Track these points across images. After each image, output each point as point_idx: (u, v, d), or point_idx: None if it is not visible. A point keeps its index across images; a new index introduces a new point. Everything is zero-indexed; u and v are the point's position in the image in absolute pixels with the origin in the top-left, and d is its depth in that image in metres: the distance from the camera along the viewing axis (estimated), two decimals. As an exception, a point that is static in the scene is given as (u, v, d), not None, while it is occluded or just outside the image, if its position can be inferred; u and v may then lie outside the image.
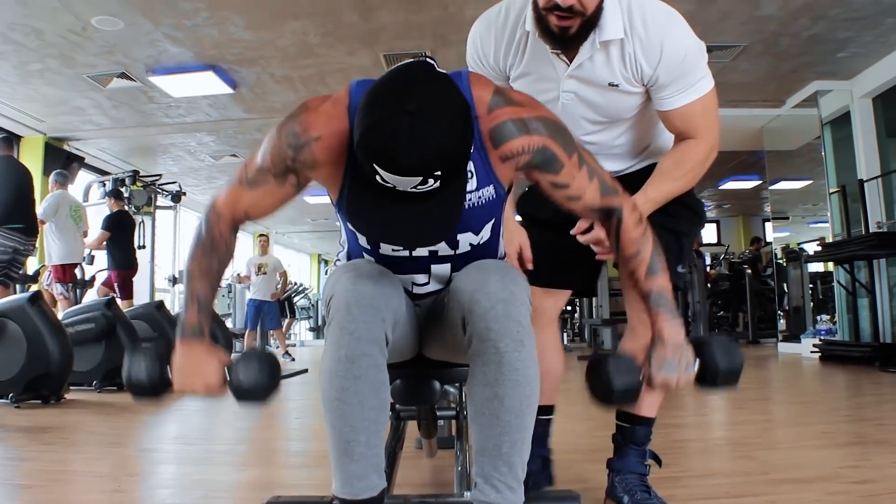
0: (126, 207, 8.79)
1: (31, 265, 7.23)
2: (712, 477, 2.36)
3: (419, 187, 1.26)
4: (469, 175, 1.48)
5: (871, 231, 7.24)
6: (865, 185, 7.46)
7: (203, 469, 2.83)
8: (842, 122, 8.20)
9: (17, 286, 6.36)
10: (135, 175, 9.58)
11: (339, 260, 1.77)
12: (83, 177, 10.05)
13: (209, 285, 1.57)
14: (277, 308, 11.03)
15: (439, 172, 1.25)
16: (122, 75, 7.42)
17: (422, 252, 1.57)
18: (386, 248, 1.57)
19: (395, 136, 1.21)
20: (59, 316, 5.56)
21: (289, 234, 19.29)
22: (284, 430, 4.09)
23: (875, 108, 7.86)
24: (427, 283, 1.65)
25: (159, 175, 10.47)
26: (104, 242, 8.06)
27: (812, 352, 7.80)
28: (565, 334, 13.39)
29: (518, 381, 1.39)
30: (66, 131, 9.40)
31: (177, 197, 10.73)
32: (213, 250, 1.57)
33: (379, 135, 1.22)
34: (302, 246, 22.09)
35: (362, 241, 1.60)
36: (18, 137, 9.18)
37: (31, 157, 9.07)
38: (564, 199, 1.54)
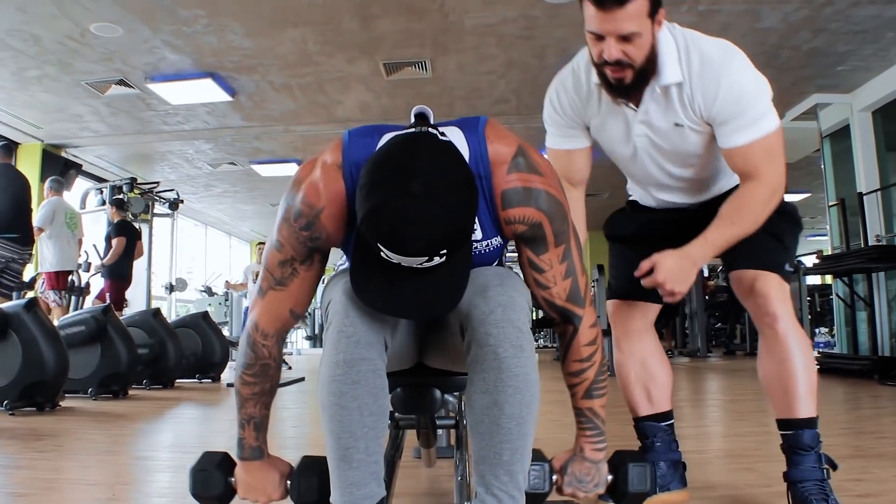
0: (127, 216, 8.76)
1: (28, 272, 7.17)
2: (713, 489, 2.33)
3: (425, 264, 1.24)
4: (474, 228, 1.46)
5: (869, 244, 7.23)
6: (864, 198, 7.46)
7: (198, 478, 2.78)
8: (841, 136, 8.21)
9: (14, 294, 6.33)
10: (132, 182, 9.56)
11: (341, 263, 1.75)
12: (80, 184, 10.03)
13: (264, 406, 1.59)
14: None
15: (445, 251, 1.23)
16: (121, 82, 7.40)
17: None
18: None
19: (400, 221, 1.18)
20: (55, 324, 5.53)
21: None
22: (281, 439, 4.05)
23: (875, 121, 7.86)
24: None
25: (157, 182, 10.44)
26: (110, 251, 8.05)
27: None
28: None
29: (518, 388, 1.37)
30: (63, 138, 9.38)
31: (174, 205, 10.70)
32: (264, 373, 1.55)
33: (383, 219, 1.19)
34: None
35: None
36: (16, 144, 9.15)
37: (29, 164, 9.05)
38: (533, 282, 1.53)
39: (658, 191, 2.16)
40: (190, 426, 4.56)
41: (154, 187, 10.30)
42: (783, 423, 1.88)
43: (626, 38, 1.76)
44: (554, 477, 1.57)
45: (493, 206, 1.44)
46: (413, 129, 1.31)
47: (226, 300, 13.26)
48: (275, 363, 1.56)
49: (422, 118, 1.41)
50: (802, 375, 1.83)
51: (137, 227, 9.22)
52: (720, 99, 1.81)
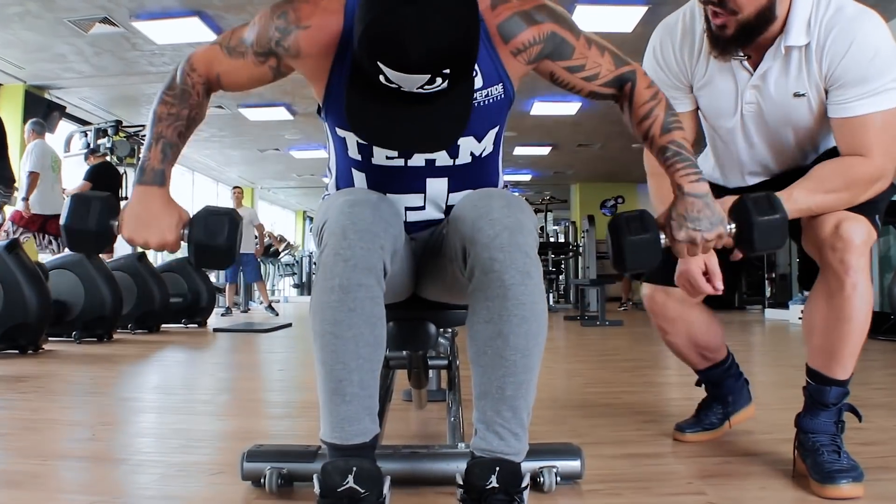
0: (108, 159, 8.56)
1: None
2: (713, 437, 2.27)
3: (426, 87, 1.17)
4: (475, 73, 1.39)
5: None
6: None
7: (182, 418, 2.72)
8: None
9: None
10: (117, 125, 9.35)
11: (327, 193, 1.65)
12: (64, 127, 9.84)
13: (176, 132, 1.47)
14: (256, 260, 11.10)
15: (448, 70, 1.16)
16: (105, 20, 7.18)
17: (418, 161, 1.46)
18: (379, 157, 1.46)
19: (401, 29, 1.11)
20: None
21: (274, 189, 19.08)
22: (267, 382, 4.01)
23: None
24: (422, 208, 1.54)
25: (143, 125, 10.22)
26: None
27: (800, 318, 7.74)
28: (551, 295, 13.37)
29: (524, 317, 1.28)
30: (46, 79, 9.14)
31: (160, 149, 10.52)
32: (183, 98, 1.48)
33: (383, 28, 1.13)
34: (287, 202, 21.88)
35: (352, 151, 1.49)
36: (-2, 85, 8.97)
37: (11, 106, 8.86)
38: (582, 81, 1.51)
39: (734, 174, 2.00)
40: (175, 369, 4.49)
41: (140, 130, 10.07)
42: (813, 373, 1.75)
43: None
44: (662, 238, 1.46)
45: (492, 47, 1.41)
46: None
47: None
48: (196, 97, 1.50)
49: None
50: (854, 340, 1.66)
51: (123, 170, 9.07)
52: (848, 57, 1.60)
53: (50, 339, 5.21)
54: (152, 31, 7.51)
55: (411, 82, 1.17)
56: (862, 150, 1.64)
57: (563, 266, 14.68)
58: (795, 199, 1.64)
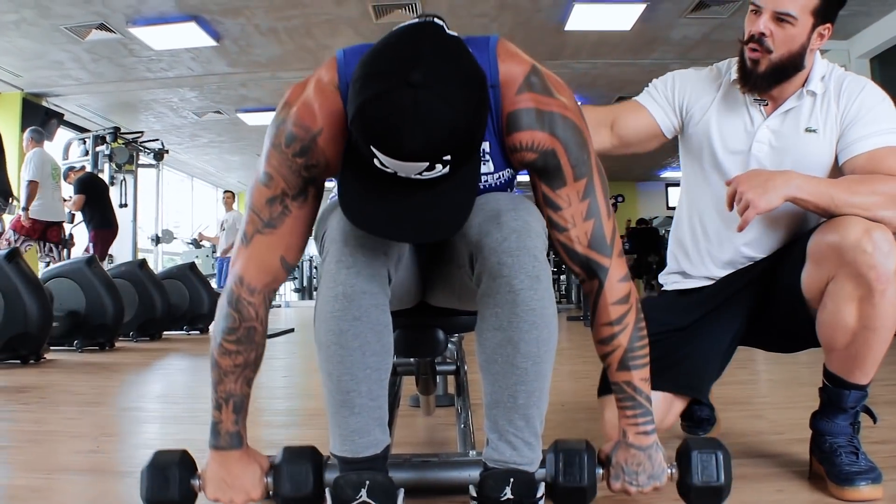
0: (98, 169, 8.58)
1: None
2: (723, 437, 2.22)
3: (425, 174, 1.08)
4: (485, 158, 1.32)
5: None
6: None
7: (186, 429, 2.70)
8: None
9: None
10: (115, 132, 9.33)
11: (333, 196, 1.62)
12: (62, 134, 9.82)
13: (246, 381, 1.38)
14: None
15: (449, 157, 1.06)
16: (101, 26, 7.18)
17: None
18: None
19: (396, 114, 1.02)
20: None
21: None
22: (271, 389, 3.97)
23: (872, 68, 7.71)
24: None
25: (141, 132, 10.20)
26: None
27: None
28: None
29: (535, 323, 1.25)
30: (44, 87, 9.15)
31: (159, 155, 10.47)
32: (249, 339, 1.35)
33: (377, 112, 1.03)
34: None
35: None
36: (-6, 92, 8.95)
37: (8, 114, 8.88)
38: (548, 223, 1.35)
39: (704, 259, 1.96)
40: (178, 377, 4.47)
41: (138, 137, 10.08)
42: (833, 377, 1.71)
43: (779, 19, 1.70)
44: (599, 471, 1.39)
45: (501, 133, 1.30)
46: (417, 20, 1.15)
47: (213, 252, 13.18)
48: (261, 327, 1.37)
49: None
50: (880, 348, 1.61)
51: (122, 177, 9.07)
52: (862, 97, 1.74)
53: (51, 348, 5.17)
54: (149, 37, 7.51)
55: (408, 170, 1.07)
56: (888, 174, 1.66)
57: (564, 266, 14.66)
58: (822, 182, 1.65)
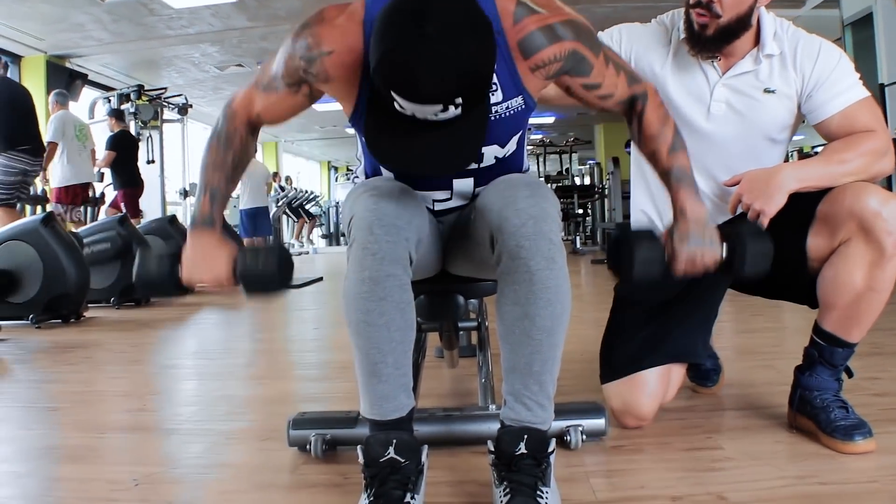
0: (130, 126, 8.67)
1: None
2: (729, 387, 2.34)
3: (440, 115, 1.22)
4: (494, 88, 1.44)
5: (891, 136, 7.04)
6: (887, 89, 7.24)
7: (224, 385, 2.86)
8: (864, 24, 7.84)
9: (28, 208, 6.34)
10: (139, 90, 9.43)
11: (356, 177, 1.75)
12: (87, 94, 9.93)
13: (223, 177, 1.58)
14: (268, 214, 11.55)
15: (460, 99, 1.20)
16: (121, -13, 7.22)
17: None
18: None
19: (412, 64, 1.16)
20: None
21: (297, 142, 19.15)
22: (303, 342, 4.13)
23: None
24: (449, 199, 1.62)
25: (164, 88, 10.30)
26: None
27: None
28: (578, 237, 13.38)
29: (549, 300, 1.37)
30: (67, 48, 9.23)
31: (183, 109, 10.61)
32: (228, 144, 1.58)
33: (395, 63, 1.17)
34: (311, 154, 21.95)
35: None
36: (19, 57, 9.04)
37: (34, 77, 8.97)
38: (596, 99, 1.56)
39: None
40: (212, 332, 4.64)
41: (162, 93, 10.18)
42: (827, 335, 1.79)
43: None
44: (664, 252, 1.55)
45: (511, 62, 1.43)
46: None
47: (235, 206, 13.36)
48: (240, 140, 1.59)
49: None
50: (879, 309, 1.72)
51: (148, 133, 9.19)
52: (820, 61, 1.80)
53: (89, 305, 5.34)
54: (169, -4, 7.53)
55: (424, 112, 1.21)
56: (863, 131, 1.76)
57: (589, 209, 14.65)
58: (811, 165, 1.75)
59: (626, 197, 11.17)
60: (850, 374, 1.85)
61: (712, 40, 1.80)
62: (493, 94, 1.44)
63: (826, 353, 1.79)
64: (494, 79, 1.42)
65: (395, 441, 1.37)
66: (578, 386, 2.25)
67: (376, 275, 1.37)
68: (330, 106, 13.00)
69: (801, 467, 1.63)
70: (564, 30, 1.42)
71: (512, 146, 1.57)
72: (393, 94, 1.20)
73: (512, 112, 1.49)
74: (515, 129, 1.55)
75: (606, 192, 13.74)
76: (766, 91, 1.84)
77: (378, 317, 1.38)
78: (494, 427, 1.48)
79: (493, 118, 1.46)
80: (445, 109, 1.21)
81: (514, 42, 1.41)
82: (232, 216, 12.02)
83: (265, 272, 1.50)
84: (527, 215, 1.37)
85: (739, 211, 1.77)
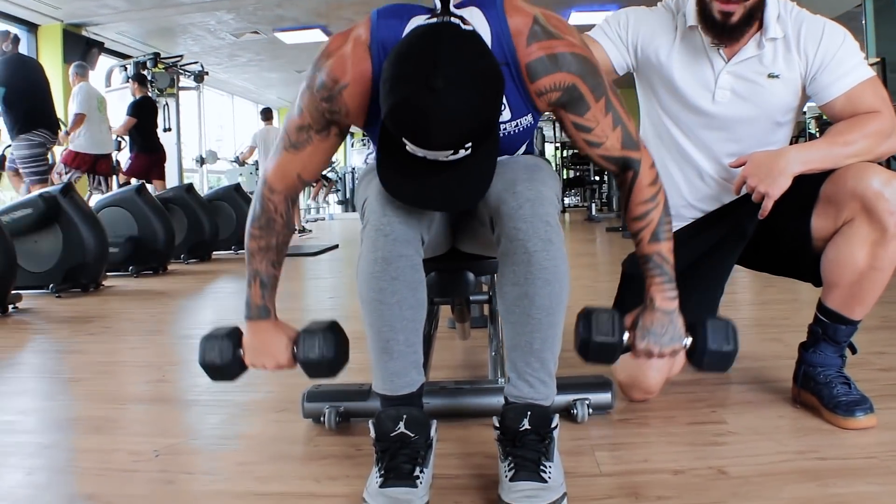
0: (149, 92, 8.69)
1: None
2: (739, 361, 2.32)
3: (450, 157, 1.25)
4: (502, 108, 1.46)
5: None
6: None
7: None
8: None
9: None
10: (156, 57, 9.41)
11: (371, 155, 1.79)
12: (103, 62, 9.95)
13: (270, 263, 1.61)
14: None
15: (470, 144, 1.24)
16: (137, -45, 7.20)
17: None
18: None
19: (423, 116, 1.18)
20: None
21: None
22: (318, 312, 4.13)
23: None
24: None
25: (180, 56, 10.26)
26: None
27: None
28: (594, 204, 13.36)
29: (547, 280, 1.40)
30: (82, 17, 9.25)
31: (199, 77, 10.57)
32: (269, 227, 1.59)
33: (406, 114, 1.20)
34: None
35: None
36: (36, 26, 9.06)
37: (50, 46, 9.02)
38: (584, 144, 1.52)
39: (702, 187, 2.02)
40: (228, 301, 4.69)
41: (178, 61, 10.15)
42: (830, 313, 1.81)
43: None
44: (625, 335, 1.53)
45: (521, 82, 1.44)
46: (435, 20, 1.29)
47: (256, 169, 13.34)
48: (281, 220, 1.59)
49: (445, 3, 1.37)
50: (882, 286, 1.74)
51: (164, 101, 9.21)
52: (824, 43, 1.79)
53: (108, 274, 5.41)
54: (184, -37, 7.50)
55: (435, 155, 1.25)
56: (868, 111, 1.76)
57: (605, 175, 14.60)
58: (816, 148, 1.76)
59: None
60: (853, 351, 1.88)
61: (738, 27, 1.79)
62: (501, 113, 1.45)
63: (830, 330, 1.82)
64: (504, 99, 1.43)
65: (405, 416, 1.42)
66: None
67: (389, 255, 1.41)
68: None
69: (802, 442, 1.67)
70: (569, 61, 1.42)
71: (520, 153, 1.61)
72: (405, 140, 1.23)
73: (521, 128, 1.52)
74: (524, 139, 1.58)
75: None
76: (771, 76, 1.84)
77: (390, 296, 1.42)
78: (503, 400, 1.52)
79: (502, 135, 1.48)
80: (456, 153, 1.24)
81: (524, 64, 1.41)
82: (248, 183, 12.06)
83: (324, 359, 1.56)
84: (524, 198, 1.40)
85: (744, 192, 1.79)
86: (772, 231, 1.92)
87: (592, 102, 1.46)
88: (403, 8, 1.45)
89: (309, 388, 1.92)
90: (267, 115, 11.02)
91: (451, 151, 1.24)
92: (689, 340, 1.53)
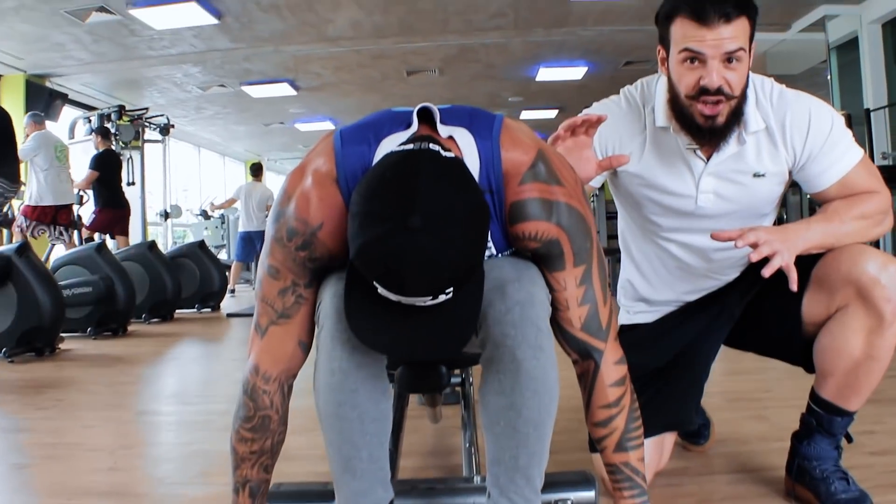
0: (113, 145, 8.55)
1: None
2: (723, 443, 2.27)
3: (429, 302, 1.11)
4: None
5: (875, 163, 7.03)
6: (872, 114, 7.24)
7: (202, 436, 2.76)
8: (849, 48, 7.89)
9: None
10: (121, 110, 9.31)
11: None
12: (69, 112, 9.82)
13: (263, 468, 1.41)
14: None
15: (452, 288, 1.10)
16: (101, 9, 7.11)
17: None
18: None
19: (397, 260, 1.04)
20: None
21: (281, 160, 19.05)
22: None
23: (884, 34, 7.56)
24: None
25: (146, 108, 10.19)
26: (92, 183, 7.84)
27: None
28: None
29: (537, 391, 1.28)
30: (47, 68, 9.11)
31: (165, 129, 10.45)
32: (263, 427, 1.38)
33: (378, 256, 1.05)
34: (295, 172, 21.86)
35: None
36: (-1, 76, 8.93)
37: (13, 96, 8.86)
38: None
39: (665, 291, 1.96)
40: (192, 369, 4.55)
41: (143, 113, 10.05)
42: (825, 403, 1.72)
43: (729, 60, 1.57)
44: None
45: (503, 218, 1.32)
46: (412, 146, 1.16)
47: (222, 223, 13.17)
48: (277, 416, 1.39)
49: (424, 118, 1.27)
50: (878, 377, 1.65)
51: (128, 154, 9.07)
52: (812, 132, 1.67)
53: (64, 335, 5.20)
54: (150, 17, 7.45)
55: (411, 301, 1.10)
56: (863, 192, 1.70)
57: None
58: (815, 227, 1.64)
59: (610, 217, 11.23)
60: (849, 440, 1.79)
61: (726, 127, 1.65)
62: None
63: (825, 421, 1.74)
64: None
65: (373, 540, 1.29)
66: (567, 441, 2.17)
67: (346, 365, 1.27)
68: (312, 126, 13.00)
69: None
70: (562, 213, 1.30)
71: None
72: (376, 283, 1.09)
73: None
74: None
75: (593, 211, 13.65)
76: (756, 175, 1.73)
77: (350, 410, 1.28)
78: (479, 501, 1.41)
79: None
80: (436, 298, 1.10)
81: (511, 201, 1.29)
82: (213, 237, 11.91)
83: None
84: (513, 301, 1.28)
85: (755, 259, 1.56)
86: (760, 314, 1.84)
87: (569, 266, 1.34)
88: (368, 127, 1.31)
89: (271, 487, 1.78)
90: (256, 171, 10.70)
91: (430, 297, 1.09)
92: None
